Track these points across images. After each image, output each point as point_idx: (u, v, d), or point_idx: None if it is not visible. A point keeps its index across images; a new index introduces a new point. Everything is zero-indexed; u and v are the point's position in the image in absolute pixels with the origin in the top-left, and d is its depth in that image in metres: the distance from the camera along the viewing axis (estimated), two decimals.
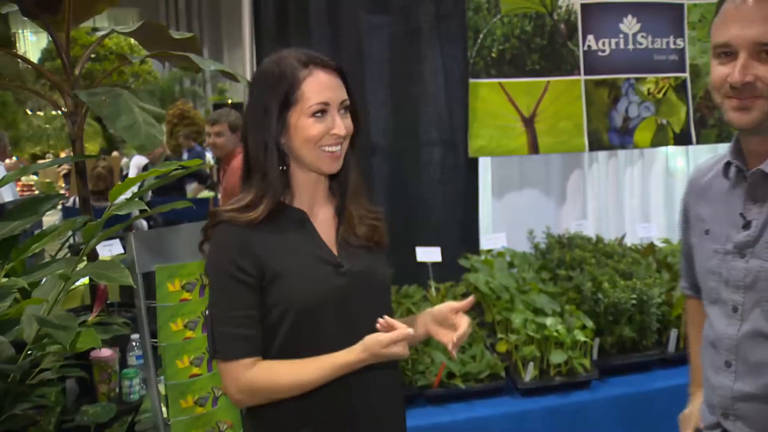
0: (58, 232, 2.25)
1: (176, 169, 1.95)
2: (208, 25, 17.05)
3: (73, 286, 2.17)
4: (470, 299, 1.51)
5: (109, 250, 2.70)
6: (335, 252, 1.50)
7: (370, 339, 1.38)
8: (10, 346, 2.09)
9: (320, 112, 1.43)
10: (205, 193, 7.29)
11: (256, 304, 1.42)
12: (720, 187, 1.48)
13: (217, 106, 9.88)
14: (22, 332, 2.12)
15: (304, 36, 3.00)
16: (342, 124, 1.45)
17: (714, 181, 1.50)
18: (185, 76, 14.61)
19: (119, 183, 2.25)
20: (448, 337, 1.49)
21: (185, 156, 8.85)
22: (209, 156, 9.40)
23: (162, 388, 2.14)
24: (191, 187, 7.31)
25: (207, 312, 1.48)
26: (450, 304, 1.53)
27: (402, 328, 1.38)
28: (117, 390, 2.63)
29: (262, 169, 1.45)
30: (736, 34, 1.31)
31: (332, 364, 1.39)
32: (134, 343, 2.70)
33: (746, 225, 1.39)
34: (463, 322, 1.49)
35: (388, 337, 1.37)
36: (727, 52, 1.33)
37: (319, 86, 1.43)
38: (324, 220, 1.52)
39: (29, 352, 1.99)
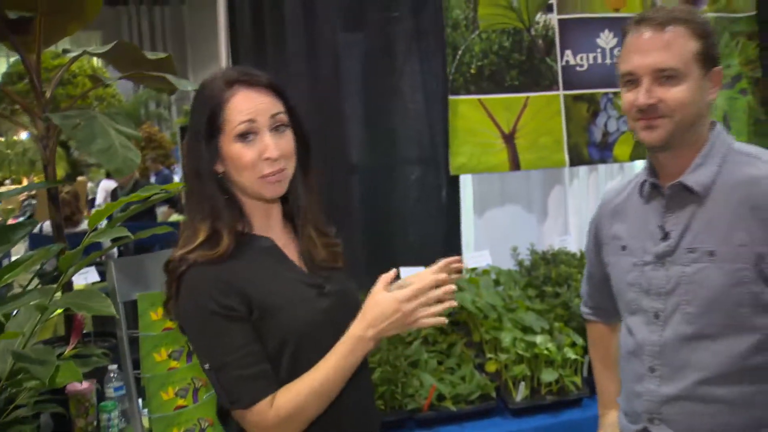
0: (32, 261, 2.16)
1: (157, 194, 1.89)
2: (172, 46, 16.95)
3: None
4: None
5: (84, 278, 2.62)
6: (308, 272, 1.45)
7: (365, 304, 1.33)
8: None
9: (248, 134, 1.33)
10: (176, 217, 7.18)
11: (254, 338, 1.32)
12: (635, 205, 1.62)
13: (184, 129, 9.78)
14: None
15: (280, 55, 2.96)
16: (274, 145, 1.34)
17: (628, 200, 1.65)
18: (150, 98, 14.47)
19: (94, 208, 2.18)
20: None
21: (153, 179, 8.73)
22: (177, 179, 9.31)
23: (146, 421, 2.05)
24: (161, 211, 7.21)
25: (205, 366, 1.34)
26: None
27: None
28: (95, 424, 2.53)
29: (207, 200, 1.36)
30: (637, 63, 1.47)
31: (346, 346, 1.32)
32: (112, 375, 2.59)
33: (665, 236, 1.53)
34: None
35: (378, 284, 1.32)
36: (632, 80, 1.49)
37: (242, 104, 1.34)
38: (285, 245, 1.45)
39: (5, 388, 1.90)
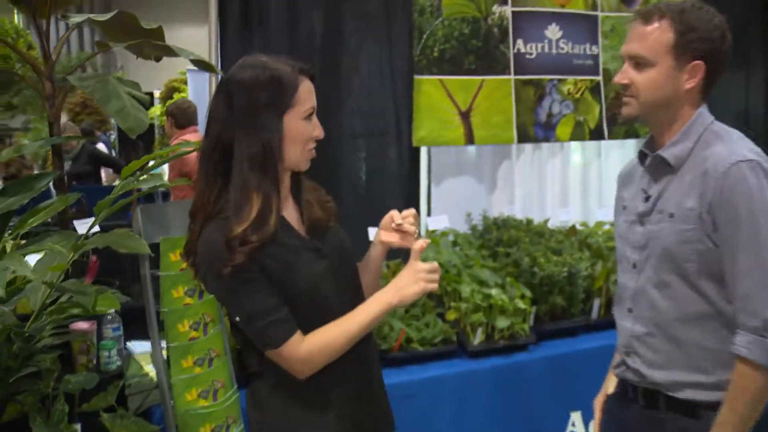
0: (53, 208, 2.39)
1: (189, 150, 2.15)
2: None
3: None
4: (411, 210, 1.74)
5: (84, 227, 2.82)
6: (307, 238, 1.67)
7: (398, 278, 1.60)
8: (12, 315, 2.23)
9: (309, 116, 1.60)
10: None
11: (271, 288, 1.56)
12: (637, 172, 1.87)
13: None
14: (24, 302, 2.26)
15: (264, 32, 3.21)
16: (321, 128, 1.63)
17: (634, 168, 1.90)
18: (77, 62, 14.18)
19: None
20: (407, 241, 1.69)
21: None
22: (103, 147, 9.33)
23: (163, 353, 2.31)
24: (107, 174, 7.31)
25: (237, 320, 1.58)
26: (390, 215, 1.73)
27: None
28: (94, 361, 2.77)
29: (263, 170, 1.54)
30: (623, 49, 1.75)
31: (377, 303, 1.59)
32: (110, 317, 2.83)
33: (647, 199, 1.77)
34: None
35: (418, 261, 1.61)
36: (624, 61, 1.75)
37: (309, 92, 1.60)
38: (290, 211, 1.68)
39: (40, 317, 2.13)
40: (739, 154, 1.63)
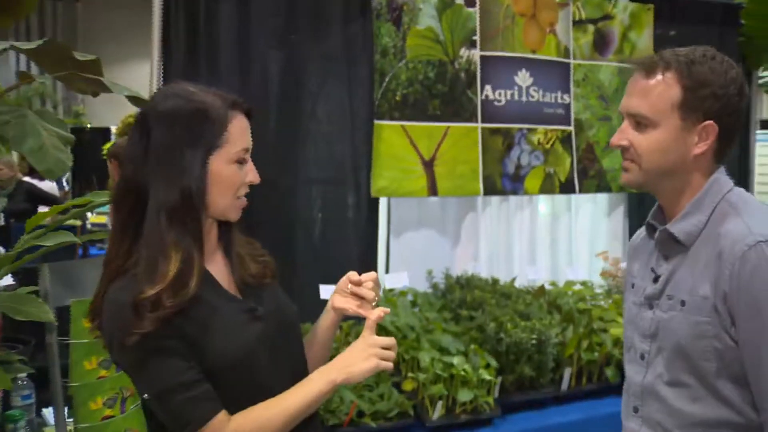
0: None
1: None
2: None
3: None
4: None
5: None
6: (239, 297, 1.44)
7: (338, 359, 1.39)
8: None
9: (242, 158, 1.38)
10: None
11: (190, 359, 1.32)
12: (646, 245, 1.61)
13: (74, 131, 9.38)
14: None
15: (214, 72, 2.94)
16: (256, 173, 1.41)
17: (643, 240, 1.64)
18: (35, 95, 13.78)
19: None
20: (364, 309, 1.49)
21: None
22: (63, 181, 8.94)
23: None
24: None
25: (146, 396, 1.33)
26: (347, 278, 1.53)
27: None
28: None
29: (182, 222, 1.32)
30: (622, 104, 1.50)
31: (319, 381, 1.37)
32: (21, 382, 2.50)
33: (656, 279, 1.53)
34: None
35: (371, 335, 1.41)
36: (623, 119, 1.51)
37: (243, 130, 1.38)
38: (218, 267, 1.45)
39: None
40: (758, 233, 1.36)
